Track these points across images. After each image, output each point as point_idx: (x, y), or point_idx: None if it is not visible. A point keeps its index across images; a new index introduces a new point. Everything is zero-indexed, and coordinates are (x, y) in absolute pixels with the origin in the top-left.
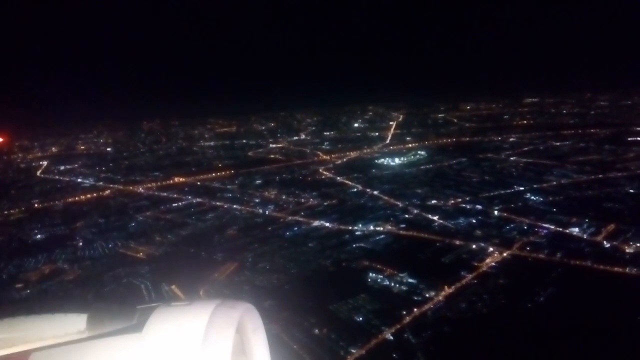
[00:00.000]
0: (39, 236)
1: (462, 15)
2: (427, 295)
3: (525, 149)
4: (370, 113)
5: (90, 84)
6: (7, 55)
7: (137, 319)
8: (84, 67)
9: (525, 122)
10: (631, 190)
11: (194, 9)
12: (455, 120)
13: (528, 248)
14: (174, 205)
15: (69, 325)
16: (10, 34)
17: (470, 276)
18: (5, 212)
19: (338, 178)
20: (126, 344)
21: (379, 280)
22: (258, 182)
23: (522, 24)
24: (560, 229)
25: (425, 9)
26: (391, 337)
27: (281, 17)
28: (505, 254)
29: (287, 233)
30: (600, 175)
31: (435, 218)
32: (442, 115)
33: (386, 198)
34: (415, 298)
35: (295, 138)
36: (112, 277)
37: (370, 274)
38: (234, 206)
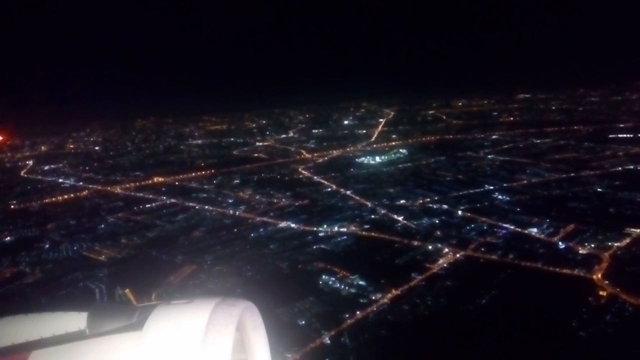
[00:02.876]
0: (7, 238)
1: (463, 11)
2: (373, 298)
3: (505, 146)
4: (363, 110)
5: (90, 82)
6: (6, 55)
7: (137, 318)
8: (84, 66)
9: (512, 118)
10: (599, 190)
11: (194, 8)
12: (444, 117)
13: (483, 249)
14: (147, 206)
15: (69, 323)
16: (7, 33)
17: (419, 278)
18: None
19: (315, 177)
20: (126, 342)
21: (330, 282)
22: (236, 181)
23: (523, 19)
24: (519, 229)
25: (426, 5)
26: (328, 341)
27: (281, 14)
28: (458, 255)
29: (252, 235)
30: (572, 174)
31: (400, 219)
32: (433, 112)
33: (357, 198)
34: (361, 301)
35: (283, 136)
36: (70, 281)
37: (323, 277)
38: (206, 207)
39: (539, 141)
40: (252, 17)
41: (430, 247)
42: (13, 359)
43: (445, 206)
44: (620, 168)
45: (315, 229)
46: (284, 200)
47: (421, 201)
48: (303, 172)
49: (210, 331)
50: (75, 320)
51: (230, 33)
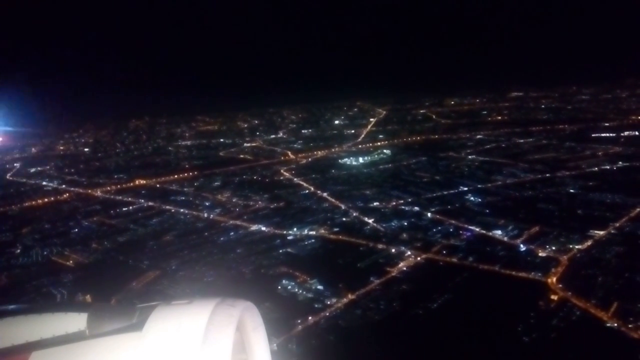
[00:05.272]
0: None
1: (462, 9)
2: (328, 303)
3: (487, 146)
4: (356, 109)
5: (89, 82)
6: (5, 56)
7: (137, 318)
8: (85, 66)
9: (500, 117)
10: (572, 191)
11: (194, 7)
12: (434, 117)
13: (444, 252)
14: (124, 209)
15: (69, 324)
16: (5, 35)
17: (377, 282)
18: None
19: (295, 179)
20: (126, 343)
21: (289, 287)
22: (216, 184)
23: (523, 17)
24: (484, 232)
25: (426, 3)
26: (275, 347)
27: (280, 13)
28: (419, 258)
29: (222, 238)
30: (547, 175)
31: (370, 221)
32: (424, 111)
33: (332, 200)
34: (316, 306)
35: (272, 136)
36: (34, 287)
37: (283, 281)
38: (181, 210)
39: (521, 141)
40: (253, 16)
41: (393, 250)
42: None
43: (416, 208)
44: (596, 168)
45: (285, 232)
46: (260, 202)
47: (394, 203)
48: (285, 173)
49: (210, 331)
50: (75, 321)
51: (230, 32)
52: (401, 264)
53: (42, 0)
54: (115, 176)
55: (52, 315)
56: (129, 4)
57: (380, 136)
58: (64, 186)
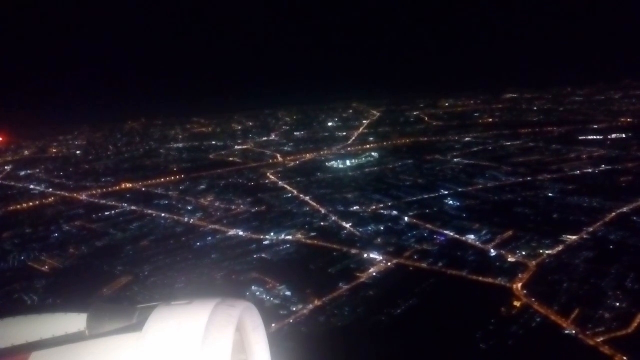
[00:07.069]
0: None
1: (463, 9)
2: (294, 309)
3: (474, 149)
4: (350, 111)
5: (89, 83)
6: (5, 57)
7: (137, 318)
8: (84, 68)
9: (491, 120)
10: (550, 194)
11: (199, 8)
12: (426, 119)
13: (416, 257)
14: (106, 213)
15: (69, 324)
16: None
17: (345, 288)
18: None
19: (280, 183)
20: (126, 343)
21: (257, 294)
22: (202, 187)
23: (524, 17)
24: (458, 236)
25: (426, 4)
26: None
27: (283, 12)
28: (390, 264)
29: (199, 243)
30: (529, 178)
31: (348, 226)
32: (417, 113)
33: (313, 204)
34: (281, 312)
35: (264, 139)
36: (6, 293)
37: (253, 287)
38: (163, 214)
39: (508, 143)
40: (253, 17)
41: (366, 256)
42: None
43: (395, 212)
44: (578, 172)
45: (262, 237)
46: (242, 207)
47: (374, 207)
48: (271, 177)
49: (210, 332)
50: (75, 322)
51: (229, 33)
52: (372, 270)
53: (40, 2)
54: (103, 180)
55: (52, 315)
56: (127, 5)
57: (371, 139)
58: (50, 190)
